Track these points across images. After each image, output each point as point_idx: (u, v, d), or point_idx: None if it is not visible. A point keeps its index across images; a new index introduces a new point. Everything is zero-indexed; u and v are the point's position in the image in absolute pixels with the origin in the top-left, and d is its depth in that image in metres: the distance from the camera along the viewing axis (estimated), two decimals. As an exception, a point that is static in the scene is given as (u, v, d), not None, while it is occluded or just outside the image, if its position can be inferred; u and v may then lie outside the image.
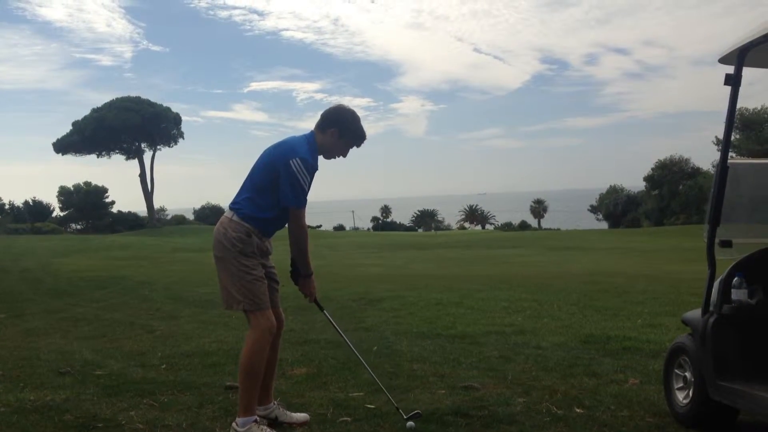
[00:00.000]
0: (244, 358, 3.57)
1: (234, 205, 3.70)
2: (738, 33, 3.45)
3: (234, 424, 3.54)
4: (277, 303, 3.82)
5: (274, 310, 3.74)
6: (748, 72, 3.49)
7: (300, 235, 3.68)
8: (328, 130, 3.74)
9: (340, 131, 3.74)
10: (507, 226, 69.22)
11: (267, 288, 3.67)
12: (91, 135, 55.67)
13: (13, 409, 4.10)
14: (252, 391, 3.58)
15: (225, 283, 3.63)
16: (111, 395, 4.43)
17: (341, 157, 3.87)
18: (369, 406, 4.07)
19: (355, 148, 3.87)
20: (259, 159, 3.76)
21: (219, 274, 3.67)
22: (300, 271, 3.77)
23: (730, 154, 3.54)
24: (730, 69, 3.48)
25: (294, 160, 3.55)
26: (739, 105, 3.66)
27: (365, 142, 3.87)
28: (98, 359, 5.79)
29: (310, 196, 3.73)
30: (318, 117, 3.80)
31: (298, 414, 3.86)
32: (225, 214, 3.73)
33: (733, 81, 3.45)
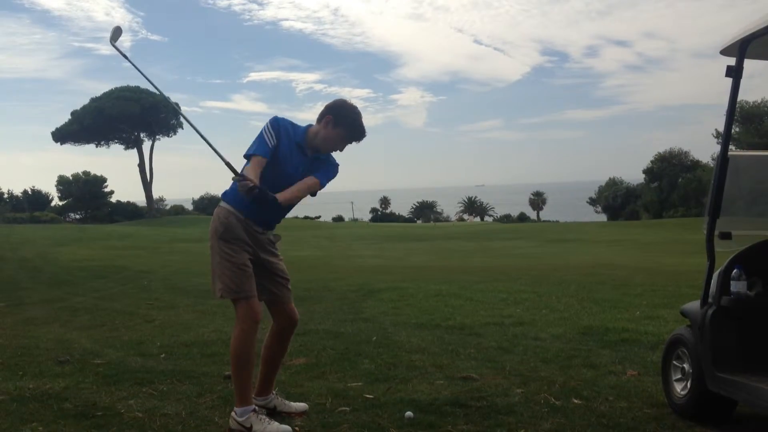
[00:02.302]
0: (231, 348, 3.54)
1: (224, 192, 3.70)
2: (739, 25, 3.45)
3: (233, 414, 3.54)
4: (287, 299, 3.76)
5: (285, 306, 3.73)
6: (748, 65, 3.49)
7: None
8: (323, 118, 3.67)
9: (334, 119, 3.63)
10: (506, 218, 69.27)
11: (250, 277, 3.56)
12: (90, 124, 55.57)
13: (12, 397, 4.11)
14: (243, 381, 3.53)
15: (211, 270, 3.64)
16: (110, 384, 4.44)
17: (338, 150, 3.77)
18: (368, 396, 4.08)
19: (355, 143, 3.76)
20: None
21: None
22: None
23: (730, 146, 3.53)
24: (732, 61, 3.47)
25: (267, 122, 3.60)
26: (739, 98, 3.65)
27: (365, 138, 3.75)
28: (97, 348, 5.79)
29: None
30: (318, 107, 3.77)
31: (297, 404, 3.87)
32: None
33: (735, 73, 3.44)
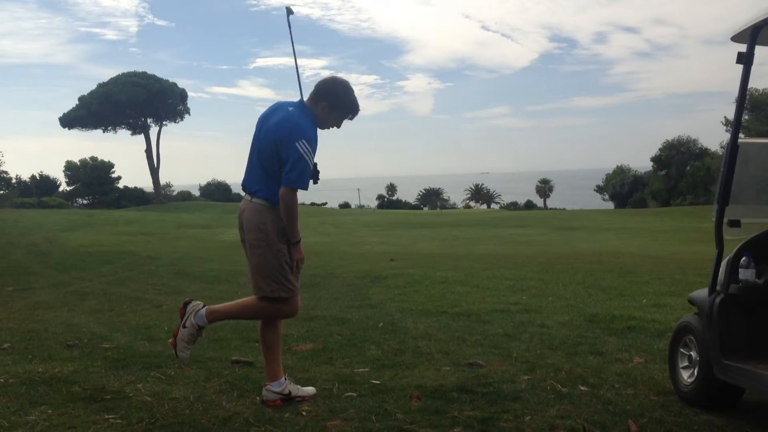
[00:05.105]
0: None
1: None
2: (751, 11, 3.41)
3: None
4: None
5: None
6: (759, 52, 3.46)
7: (292, 207, 3.59)
8: (319, 104, 3.72)
9: (330, 105, 3.71)
10: (512, 206, 69.18)
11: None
12: (98, 110, 55.65)
13: (21, 380, 4.14)
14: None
15: (260, 270, 3.76)
16: (118, 368, 4.47)
17: (336, 127, 3.85)
18: (374, 381, 4.09)
19: (349, 119, 3.85)
20: (262, 138, 3.69)
21: None
22: (290, 240, 3.68)
23: (740, 134, 3.51)
24: (743, 47, 3.44)
25: (300, 142, 3.51)
26: (749, 85, 3.62)
27: (360, 114, 3.87)
28: (105, 333, 5.83)
29: None
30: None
31: (306, 388, 3.89)
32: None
33: (746, 59, 3.41)
